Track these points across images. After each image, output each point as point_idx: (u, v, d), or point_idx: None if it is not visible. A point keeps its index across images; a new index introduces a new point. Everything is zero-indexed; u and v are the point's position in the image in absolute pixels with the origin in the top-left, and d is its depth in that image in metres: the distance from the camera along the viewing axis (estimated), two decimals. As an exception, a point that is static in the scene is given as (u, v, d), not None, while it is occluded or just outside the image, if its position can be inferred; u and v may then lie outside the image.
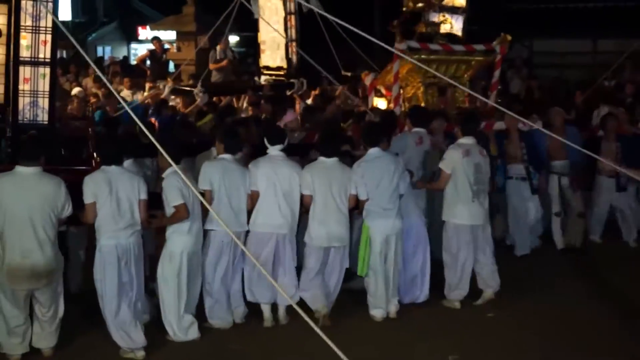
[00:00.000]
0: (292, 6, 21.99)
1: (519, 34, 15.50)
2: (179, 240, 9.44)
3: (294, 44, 22.13)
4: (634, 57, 23.17)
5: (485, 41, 16.12)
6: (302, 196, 10.08)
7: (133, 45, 38.26)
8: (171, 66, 24.95)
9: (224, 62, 23.07)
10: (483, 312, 10.71)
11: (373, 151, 10.39)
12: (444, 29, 22.68)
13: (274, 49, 22.48)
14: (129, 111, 10.37)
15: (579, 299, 11.05)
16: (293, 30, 22.16)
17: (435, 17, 22.41)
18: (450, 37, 16.35)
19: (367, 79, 16.62)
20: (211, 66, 22.84)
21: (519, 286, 11.41)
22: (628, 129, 14.44)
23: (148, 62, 24.57)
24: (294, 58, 22.10)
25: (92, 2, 36.87)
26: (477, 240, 10.86)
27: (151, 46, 24.39)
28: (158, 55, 23.78)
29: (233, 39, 27.85)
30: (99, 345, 9.26)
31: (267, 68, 22.32)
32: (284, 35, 21.65)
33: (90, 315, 9.56)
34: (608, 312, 10.58)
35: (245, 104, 18.63)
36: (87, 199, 8.97)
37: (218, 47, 23.37)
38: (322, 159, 10.24)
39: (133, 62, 29.15)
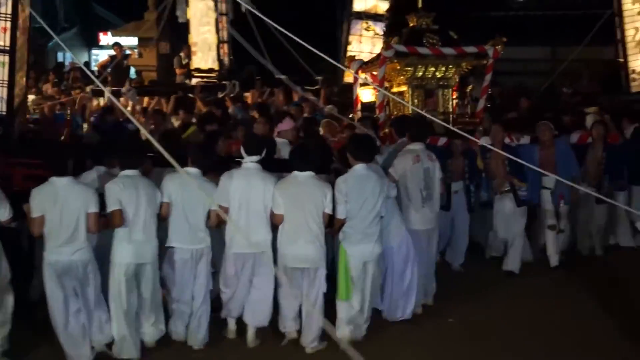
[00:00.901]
0: (223, 7, 21.40)
1: (480, 41, 13.18)
2: (117, 249, 8.57)
3: (225, 45, 21.65)
4: (592, 65, 22.77)
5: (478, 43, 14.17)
6: (272, 213, 8.84)
7: (94, 51, 35.97)
8: (132, 72, 23.71)
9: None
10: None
11: (360, 168, 9.11)
12: (367, 35, 22.07)
13: (205, 51, 21.73)
14: (134, 121, 9.69)
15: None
16: (225, 32, 21.64)
17: (359, 25, 22.37)
18: (442, 35, 14.34)
19: (353, 66, 14.94)
20: (178, 71, 21.94)
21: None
22: (614, 136, 13.13)
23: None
24: (226, 60, 21.65)
25: (52, 8, 34.34)
26: (428, 244, 10.17)
27: (112, 52, 23.33)
28: (119, 61, 22.35)
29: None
30: (51, 354, 8.57)
31: (199, 70, 21.39)
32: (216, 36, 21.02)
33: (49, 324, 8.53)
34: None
35: (171, 107, 16.91)
36: (34, 212, 8.27)
37: (182, 53, 22.36)
38: (295, 173, 8.96)
39: (94, 68, 27.47)
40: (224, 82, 20.06)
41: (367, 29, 22.44)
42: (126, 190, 8.43)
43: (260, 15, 10.99)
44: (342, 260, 8.99)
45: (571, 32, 23.34)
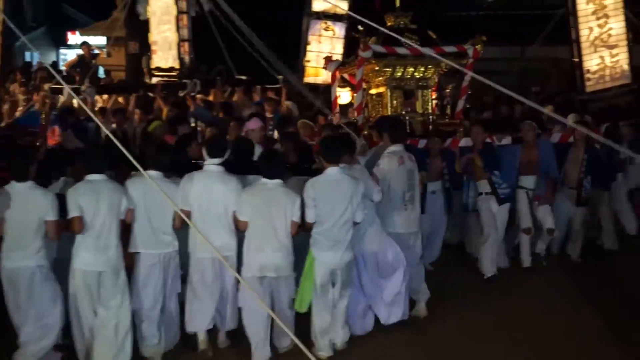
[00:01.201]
0: (184, 5, 20.55)
1: (450, 40, 12.47)
2: (75, 256, 8.07)
3: (186, 43, 20.81)
4: (561, 64, 21.95)
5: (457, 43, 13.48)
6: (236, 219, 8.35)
7: (62, 51, 34.80)
8: (101, 71, 22.95)
9: None
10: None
11: (331, 171, 8.53)
12: (327, 35, 21.39)
13: (165, 50, 20.94)
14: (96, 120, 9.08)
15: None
16: (185, 30, 20.79)
17: (318, 25, 21.55)
18: (420, 35, 13.71)
19: (330, 67, 14.14)
20: (146, 71, 20.94)
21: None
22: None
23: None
24: (187, 58, 20.79)
25: (19, 7, 33.03)
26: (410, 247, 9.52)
27: (81, 52, 21.92)
28: (87, 60, 21.18)
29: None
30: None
31: (159, 69, 20.59)
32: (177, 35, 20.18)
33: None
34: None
35: (132, 106, 16.28)
36: None
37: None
38: (263, 180, 8.44)
39: (62, 67, 25.94)
40: (184, 80, 19.04)
41: (326, 29, 21.83)
42: (86, 196, 7.97)
43: (228, 10, 9.39)
44: (309, 266, 8.48)
45: (539, 32, 22.83)
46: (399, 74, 13.37)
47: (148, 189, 8.17)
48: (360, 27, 12.75)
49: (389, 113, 13.31)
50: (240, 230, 8.42)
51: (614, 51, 19.07)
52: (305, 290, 8.45)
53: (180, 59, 20.84)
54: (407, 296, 9.27)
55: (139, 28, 21.49)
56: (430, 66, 13.33)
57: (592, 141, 11.78)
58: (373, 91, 13.65)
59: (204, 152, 8.57)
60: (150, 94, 17.29)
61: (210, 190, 8.37)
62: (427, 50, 12.82)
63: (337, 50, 21.72)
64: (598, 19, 19.16)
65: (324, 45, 21.97)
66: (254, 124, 10.93)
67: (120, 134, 12.76)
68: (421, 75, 13.43)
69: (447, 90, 14.23)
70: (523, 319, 9.45)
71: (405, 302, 9.23)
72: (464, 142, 11.70)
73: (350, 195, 8.33)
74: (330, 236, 8.35)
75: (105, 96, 18.20)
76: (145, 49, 21.63)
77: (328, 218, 8.32)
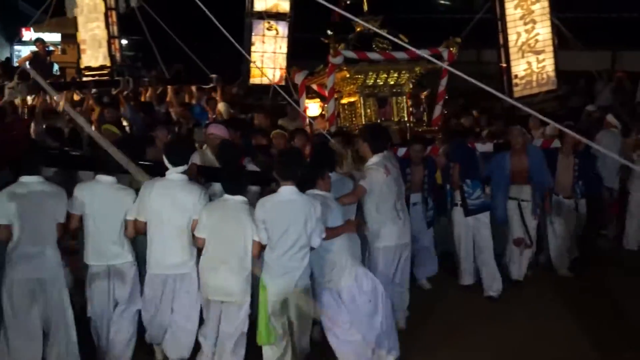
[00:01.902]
0: (112, 1, 18.69)
1: (409, 44, 10.53)
2: (6, 264, 6.97)
3: (116, 40, 18.84)
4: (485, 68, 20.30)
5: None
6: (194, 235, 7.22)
7: (16, 47, 31.92)
8: (55, 68, 20.51)
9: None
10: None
11: (284, 191, 7.18)
12: (270, 35, 19.21)
13: (95, 48, 18.88)
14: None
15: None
16: (115, 27, 18.83)
17: (260, 24, 19.42)
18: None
19: (298, 77, 12.18)
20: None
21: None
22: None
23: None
24: (118, 55, 18.90)
25: (-30, 2, 30.03)
26: (400, 260, 8.37)
27: (35, 48, 19.77)
28: (42, 57, 18.97)
29: (122, 42, 22.50)
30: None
31: (89, 69, 18.64)
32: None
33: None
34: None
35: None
36: None
37: None
38: (225, 196, 7.26)
39: (15, 64, 23.73)
40: (117, 78, 17.36)
41: (269, 29, 19.79)
42: (15, 200, 6.89)
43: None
44: (262, 295, 7.14)
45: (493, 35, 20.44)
46: (372, 81, 11.63)
47: (97, 194, 7.23)
48: (329, 32, 10.58)
49: (363, 122, 11.64)
50: (198, 247, 7.25)
51: (541, 57, 17.59)
52: (261, 321, 7.15)
53: (111, 57, 18.86)
54: (393, 330, 7.68)
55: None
56: (404, 72, 11.57)
57: (580, 146, 10.32)
58: (345, 101, 11.93)
59: (165, 159, 7.30)
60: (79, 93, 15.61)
61: (170, 201, 7.14)
62: (400, 55, 11.20)
63: (281, 49, 20.01)
64: (526, 24, 17.51)
65: (268, 45, 20.06)
66: (218, 130, 9.11)
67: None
68: (395, 81, 11.66)
69: (423, 97, 12.44)
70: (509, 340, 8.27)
71: (392, 337, 7.66)
72: (444, 150, 10.18)
73: (304, 219, 7.00)
74: (282, 262, 7.03)
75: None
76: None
77: (280, 243, 7.02)
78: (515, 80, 17.34)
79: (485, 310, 9.22)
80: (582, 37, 18.13)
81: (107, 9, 18.75)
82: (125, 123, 12.89)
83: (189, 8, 18.35)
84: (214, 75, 16.95)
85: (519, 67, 17.30)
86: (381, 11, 11.73)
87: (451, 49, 11.43)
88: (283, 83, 18.36)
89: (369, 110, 11.55)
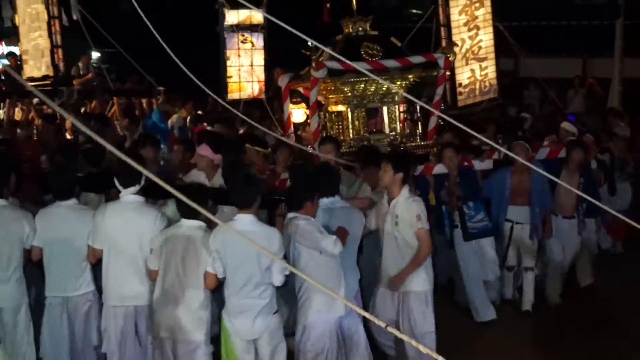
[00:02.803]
0: (55, 10, 16.27)
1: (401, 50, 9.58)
2: None
3: (59, 50, 16.47)
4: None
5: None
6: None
7: (-11, 61, 28.94)
8: None
9: (89, 76, 16.92)
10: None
11: (242, 219, 5.71)
12: (245, 47, 16.70)
13: (38, 58, 16.54)
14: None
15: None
16: (58, 36, 16.42)
17: (234, 38, 16.74)
18: (382, 43, 9.34)
19: (282, 80, 9.77)
20: (75, 82, 16.55)
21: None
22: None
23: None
24: (61, 65, 16.50)
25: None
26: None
27: (6, 62, 18.34)
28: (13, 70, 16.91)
29: (95, 54, 20.39)
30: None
31: (32, 79, 16.03)
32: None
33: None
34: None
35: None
36: None
37: (80, 63, 17.24)
38: (182, 221, 5.85)
39: None
40: (60, 87, 15.48)
41: (243, 42, 16.97)
42: None
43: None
44: (223, 335, 5.94)
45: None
46: (360, 90, 9.40)
47: (56, 221, 6.21)
48: (310, 43, 8.17)
49: (351, 135, 9.47)
50: (151, 279, 6.03)
51: (484, 64, 15.12)
52: None
53: (55, 66, 16.42)
54: None
55: (67, 38, 17.02)
56: (396, 79, 9.32)
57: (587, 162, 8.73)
58: (333, 108, 9.75)
59: (116, 181, 6.16)
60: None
61: (124, 226, 6.06)
62: (391, 63, 9.07)
63: (258, 62, 17.20)
64: (469, 30, 14.94)
65: (244, 59, 17.19)
66: (205, 151, 7.66)
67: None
68: (386, 90, 9.43)
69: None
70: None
71: None
72: (438, 169, 8.20)
73: (257, 254, 5.64)
74: (237, 299, 5.78)
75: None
76: (76, 58, 17.49)
77: (234, 277, 5.75)
78: (459, 89, 14.88)
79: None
80: (553, 45, 15.76)
81: (50, 17, 16.37)
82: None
83: (166, 22, 16.23)
84: (161, 88, 15.08)
85: (463, 75, 14.85)
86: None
87: (448, 55, 9.22)
88: (263, 96, 16.43)
89: (357, 122, 9.43)
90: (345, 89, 9.27)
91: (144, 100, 15.76)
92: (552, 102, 16.78)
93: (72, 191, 6.25)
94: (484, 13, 14.93)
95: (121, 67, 17.61)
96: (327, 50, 7.15)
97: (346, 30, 9.57)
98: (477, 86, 15.10)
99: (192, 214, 5.72)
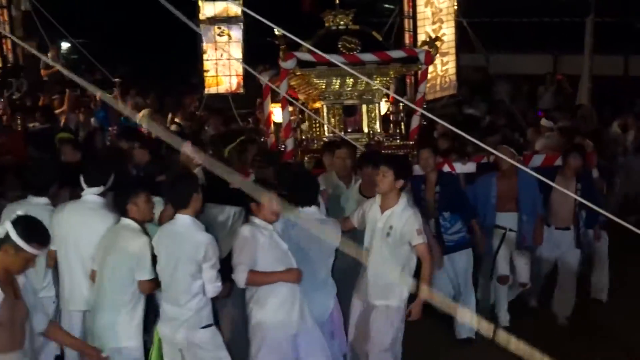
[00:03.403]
0: (4, 0, 15.13)
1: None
2: None
3: (8, 40, 15.16)
4: (463, 71, 15.57)
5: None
6: None
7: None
8: None
9: (56, 69, 14.58)
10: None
11: (181, 220, 4.85)
12: (222, 40, 15.30)
13: None
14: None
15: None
16: (7, 25, 15.11)
17: (211, 30, 15.28)
18: (363, 37, 8.02)
19: (264, 77, 8.40)
20: (43, 72, 15.12)
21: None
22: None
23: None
24: (10, 55, 15.18)
25: None
26: None
27: None
28: None
29: (64, 45, 18.68)
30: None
31: None
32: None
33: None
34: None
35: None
36: None
37: (49, 53, 15.18)
38: (121, 221, 5.10)
39: None
40: (9, 79, 14.16)
41: (220, 35, 15.49)
42: None
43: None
44: (155, 341, 5.08)
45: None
46: (336, 86, 8.17)
47: None
48: (277, 32, 7.01)
49: (326, 133, 8.26)
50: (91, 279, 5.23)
51: (445, 59, 13.94)
52: None
53: (3, 57, 15.15)
54: None
55: (36, 27, 15.43)
56: (375, 75, 8.06)
57: (586, 167, 7.40)
58: (311, 105, 8.53)
59: (81, 179, 5.34)
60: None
61: (81, 228, 5.19)
62: (368, 57, 7.82)
63: (236, 55, 15.65)
64: (434, 23, 13.71)
65: (221, 52, 15.67)
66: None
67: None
68: (364, 87, 8.18)
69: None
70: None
71: None
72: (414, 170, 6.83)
73: (200, 257, 4.76)
74: (168, 308, 4.90)
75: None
76: (44, 48, 15.64)
77: (169, 281, 4.87)
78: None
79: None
80: (524, 41, 14.56)
81: (-1, 6, 15.39)
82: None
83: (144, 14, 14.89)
84: (117, 80, 13.58)
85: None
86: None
87: (430, 50, 8.05)
88: (241, 91, 15.21)
89: (332, 120, 8.22)
90: (320, 84, 8.06)
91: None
92: (523, 98, 15.49)
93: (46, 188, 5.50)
94: (447, 6, 13.79)
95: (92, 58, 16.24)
96: (298, 39, 5.97)
97: (327, 24, 8.31)
98: (438, 82, 13.96)
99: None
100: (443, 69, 13.82)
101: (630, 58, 14.12)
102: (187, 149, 6.45)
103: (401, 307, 5.51)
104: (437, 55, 8.73)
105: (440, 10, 13.79)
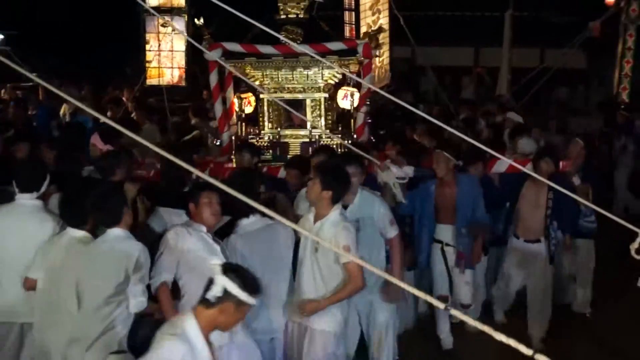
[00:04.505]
0: None
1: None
2: None
3: None
4: None
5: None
6: None
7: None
8: None
9: None
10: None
11: (109, 234, 3.80)
12: (166, 31, 13.39)
13: None
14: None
15: None
16: None
17: (154, 21, 13.37)
18: (308, 27, 6.63)
19: (212, 55, 6.42)
20: None
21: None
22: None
23: None
24: None
25: None
26: None
27: None
28: None
29: None
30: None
31: None
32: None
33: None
34: None
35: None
36: None
37: None
38: (67, 229, 4.03)
39: None
40: None
41: (164, 25, 13.38)
42: None
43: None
44: None
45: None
46: (276, 79, 6.69)
47: None
48: (197, 20, 6.14)
49: (265, 129, 6.82)
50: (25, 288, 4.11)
51: (381, 50, 12.08)
52: None
53: None
54: None
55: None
56: (317, 69, 6.60)
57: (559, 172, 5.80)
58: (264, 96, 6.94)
59: (14, 183, 4.25)
60: None
61: (16, 232, 4.10)
62: (303, 48, 6.06)
63: (178, 47, 13.76)
64: (373, 14, 11.96)
65: (164, 43, 13.74)
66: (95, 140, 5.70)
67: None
68: (310, 81, 6.66)
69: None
70: None
71: None
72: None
73: (112, 274, 3.74)
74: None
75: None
76: None
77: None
78: (359, 76, 12.16)
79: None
80: (448, 34, 13.22)
81: None
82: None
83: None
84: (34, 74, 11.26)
85: (365, 62, 12.14)
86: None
87: (369, 42, 6.56)
88: (183, 84, 13.39)
89: (271, 115, 6.77)
90: (258, 75, 6.61)
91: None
92: (446, 89, 14.32)
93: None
94: (383, -4, 12.74)
95: (25, 50, 13.84)
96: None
97: (279, 13, 6.78)
98: (376, 73, 12.38)
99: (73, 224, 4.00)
100: (380, 60, 11.89)
101: (546, 50, 13.15)
102: (96, 140, 5.63)
103: (337, 332, 4.22)
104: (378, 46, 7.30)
105: (378, 1, 12.12)
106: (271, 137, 6.64)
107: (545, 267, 5.76)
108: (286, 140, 6.67)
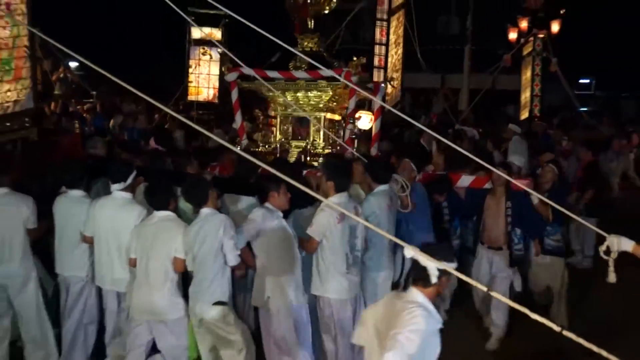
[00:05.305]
0: None
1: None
2: None
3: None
4: None
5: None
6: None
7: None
8: None
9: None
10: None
11: (204, 212, 3.75)
12: (205, 59, 13.12)
13: None
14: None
15: None
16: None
17: (197, 50, 13.09)
18: (315, 57, 5.65)
19: (230, 76, 6.34)
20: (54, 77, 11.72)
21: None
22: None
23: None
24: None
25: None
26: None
27: None
28: None
29: (72, 64, 14.34)
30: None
31: None
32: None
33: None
34: None
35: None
36: None
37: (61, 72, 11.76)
38: (154, 213, 3.89)
39: None
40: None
41: (203, 54, 13.55)
42: None
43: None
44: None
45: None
46: (290, 98, 6.37)
47: (64, 208, 4.11)
48: (218, 50, 5.67)
49: (277, 139, 6.52)
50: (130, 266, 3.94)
51: (396, 79, 11.72)
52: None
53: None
54: None
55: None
56: (318, 92, 6.26)
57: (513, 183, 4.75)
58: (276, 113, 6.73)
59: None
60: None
61: (112, 219, 3.95)
62: (300, 74, 6.09)
63: (213, 71, 13.59)
64: (396, 46, 11.62)
65: (203, 68, 13.76)
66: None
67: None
68: (316, 101, 6.32)
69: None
70: None
71: None
72: None
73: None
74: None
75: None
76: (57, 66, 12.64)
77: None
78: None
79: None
80: (419, 64, 13.18)
81: None
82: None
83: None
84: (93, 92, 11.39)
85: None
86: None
87: (350, 69, 6.08)
88: (216, 101, 13.33)
89: (283, 128, 6.51)
90: (270, 96, 6.38)
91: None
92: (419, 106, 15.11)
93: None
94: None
95: (93, 73, 13.37)
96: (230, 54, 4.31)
97: (299, 46, 6.48)
98: (392, 94, 11.48)
99: (157, 206, 3.86)
100: (395, 83, 11.70)
101: (497, 76, 13.18)
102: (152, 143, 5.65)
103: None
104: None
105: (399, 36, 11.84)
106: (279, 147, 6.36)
107: (506, 272, 4.85)
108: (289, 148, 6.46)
